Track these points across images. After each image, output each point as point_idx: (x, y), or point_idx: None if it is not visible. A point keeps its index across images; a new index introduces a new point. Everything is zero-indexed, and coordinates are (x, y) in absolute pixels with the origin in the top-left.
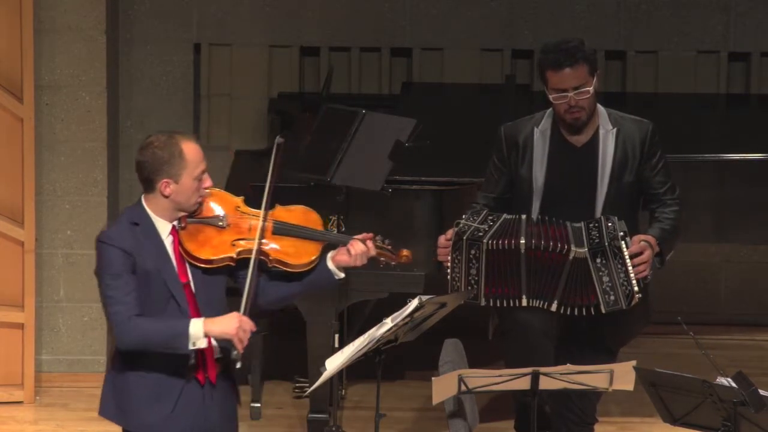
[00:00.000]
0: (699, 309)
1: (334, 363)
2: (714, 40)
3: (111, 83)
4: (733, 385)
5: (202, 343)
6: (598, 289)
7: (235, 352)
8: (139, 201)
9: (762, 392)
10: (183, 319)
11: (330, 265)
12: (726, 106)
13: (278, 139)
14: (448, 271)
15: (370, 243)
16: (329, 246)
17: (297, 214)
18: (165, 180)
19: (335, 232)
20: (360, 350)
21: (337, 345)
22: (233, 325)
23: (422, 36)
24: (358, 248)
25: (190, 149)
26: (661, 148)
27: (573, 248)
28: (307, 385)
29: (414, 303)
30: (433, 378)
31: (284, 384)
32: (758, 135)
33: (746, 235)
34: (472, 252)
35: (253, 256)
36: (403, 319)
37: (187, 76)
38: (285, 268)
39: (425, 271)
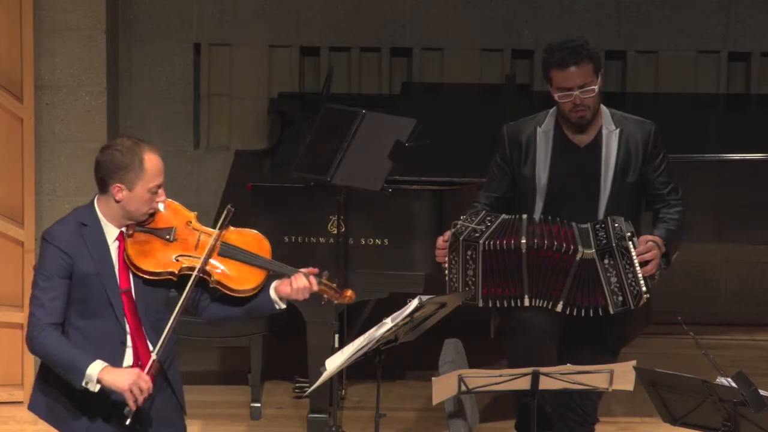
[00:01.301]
0: (699, 309)
1: (334, 363)
2: (714, 40)
3: (111, 83)
4: (733, 385)
5: (93, 387)
6: (606, 290)
7: (126, 408)
8: (92, 201)
9: (762, 392)
10: (88, 356)
11: (272, 294)
12: (726, 106)
13: (229, 207)
14: (446, 272)
15: (312, 279)
16: (274, 275)
17: (248, 239)
18: (118, 185)
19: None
20: (360, 350)
21: (337, 345)
22: (127, 381)
23: (422, 36)
24: (300, 282)
25: (152, 161)
26: (664, 149)
27: (580, 249)
28: (307, 385)
29: (414, 303)
30: (433, 378)
31: (284, 384)
32: (758, 135)
33: (746, 235)
34: (469, 253)
35: (181, 299)
36: (403, 319)
37: (187, 76)
38: (225, 291)
39: (425, 271)
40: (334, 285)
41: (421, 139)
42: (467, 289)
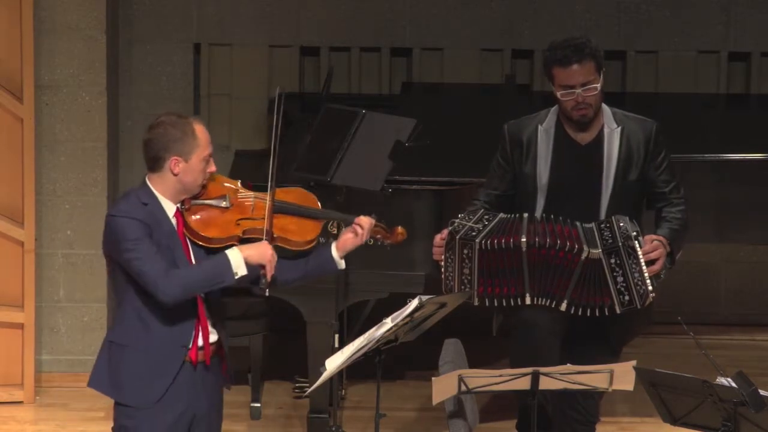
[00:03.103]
0: (699, 309)
1: (334, 363)
2: (714, 40)
3: (111, 83)
4: (733, 385)
5: (243, 270)
6: (612, 290)
7: (263, 280)
8: (144, 182)
9: (762, 392)
10: (217, 255)
11: (334, 254)
12: (726, 106)
13: (278, 90)
14: (442, 270)
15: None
16: (328, 223)
17: (295, 194)
18: (175, 157)
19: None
20: (360, 350)
21: (337, 345)
22: (268, 250)
23: (422, 36)
24: (365, 222)
25: (201, 131)
26: (665, 147)
27: (586, 248)
28: (307, 385)
29: (414, 303)
30: (433, 378)
31: (284, 384)
32: (758, 135)
33: (746, 235)
34: (465, 251)
35: (267, 202)
36: (403, 319)
37: (187, 76)
38: (287, 246)
39: (425, 271)
40: (384, 225)
41: (421, 139)
42: (463, 287)
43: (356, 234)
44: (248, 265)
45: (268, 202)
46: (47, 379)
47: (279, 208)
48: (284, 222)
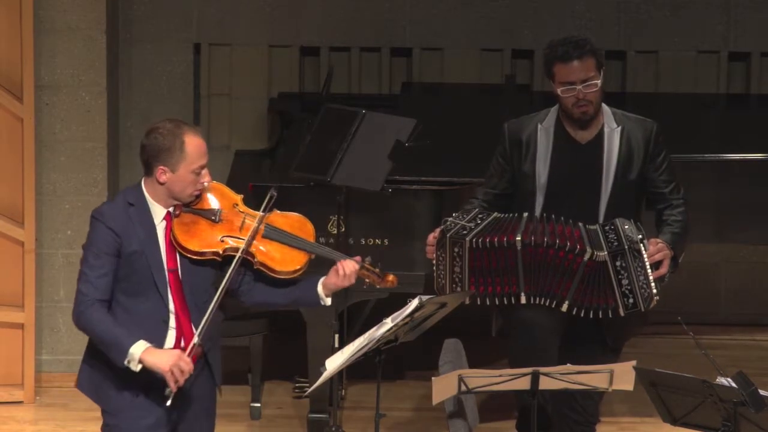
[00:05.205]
0: (699, 309)
1: (334, 363)
2: (714, 40)
3: (111, 83)
4: (733, 385)
5: (134, 366)
6: (617, 292)
7: (167, 390)
8: (139, 182)
9: (762, 392)
10: (132, 336)
11: (320, 289)
12: (726, 106)
13: (272, 192)
14: (434, 268)
15: (357, 260)
16: (317, 258)
17: (292, 221)
18: (162, 167)
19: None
20: (360, 350)
21: (337, 345)
22: (169, 362)
23: (422, 36)
24: (348, 268)
25: (192, 143)
26: (665, 147)
27: (589, 250)
28: (307, 385)
29: (414, 303)
30: (433, 378)
31: (284, 384)
32: (758, 135)
33: (746, 235)
34: (456, 250)
35: (225, 280)
36: (403, 319)
37: (187, 76)
38: (269, 273)
39: (425, 271)
40: (377, 270)
41: (421, 139)
42: (454, 286)
43: (337, 275)
44: (145, 366)
45: (254, 224)
46: (47, 379)
47: (267, 234)
48: (270, 248)
